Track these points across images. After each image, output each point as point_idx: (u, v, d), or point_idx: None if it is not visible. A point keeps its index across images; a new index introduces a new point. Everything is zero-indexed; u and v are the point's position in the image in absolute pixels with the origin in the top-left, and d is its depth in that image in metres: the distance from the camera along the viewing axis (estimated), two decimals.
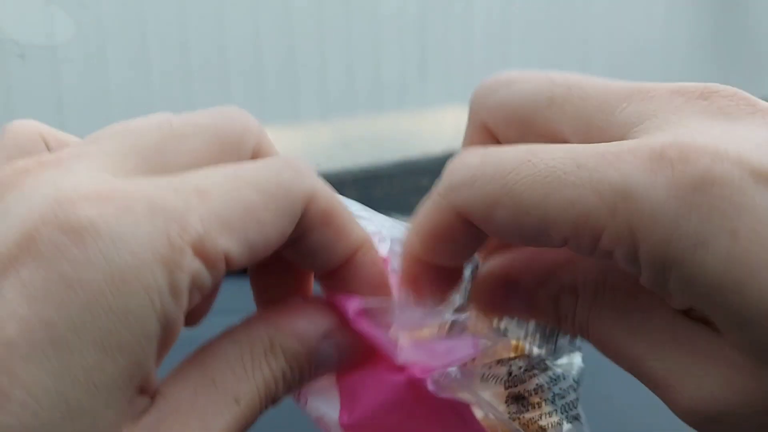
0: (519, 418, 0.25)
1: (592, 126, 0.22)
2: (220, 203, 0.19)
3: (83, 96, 1.69)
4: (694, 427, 0.21)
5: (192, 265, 0.18)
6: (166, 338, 0.18)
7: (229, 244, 0.19)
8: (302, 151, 1.97)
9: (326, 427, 0.24)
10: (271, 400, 0.21)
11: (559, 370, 0.26)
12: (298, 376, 0.22)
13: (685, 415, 0.21)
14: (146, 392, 0.18)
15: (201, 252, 0.18)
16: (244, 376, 0.20)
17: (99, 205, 0.17)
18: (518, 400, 0.25)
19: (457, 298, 0.24)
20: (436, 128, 2.23)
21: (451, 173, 0.22)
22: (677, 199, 0.18)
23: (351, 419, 0.23)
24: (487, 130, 0.25)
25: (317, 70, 2.09)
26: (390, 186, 2.03)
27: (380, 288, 0.23)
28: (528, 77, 0.24)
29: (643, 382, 0.22)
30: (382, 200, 2.09)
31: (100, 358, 0.17)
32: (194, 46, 1.87)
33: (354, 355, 0.23)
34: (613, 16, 2.67)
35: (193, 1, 1.87)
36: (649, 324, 0.21)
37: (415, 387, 0.23)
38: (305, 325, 0.22)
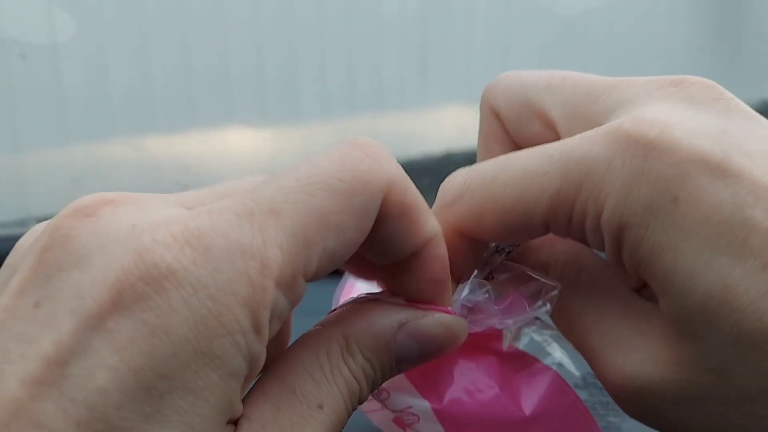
0: None
1: (578, 111, 0.24)
2: (295, 221, 0.18)
3: (84, 95, 1.69)
4: (619, 401, 0.22)
5: (273, 298, 0.18)
6: (251, 372, 0.18)
7: (308, 262, 0.19)
8: (302, 151, 1.97)
9: (411, 419, 0.24)
10: (356, 400, 0.21)
11: None
12: (380, 372, 0.21)
13: (611, 386, 0.22)
14: (232, 421, 0.19)
15: (281, 282, 0.18)
16: (324, 381, 0.20)
17: (176, 250, 0.17)
18: None
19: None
20: (436, 128, 2.23)
21: (441, 194, 0.24)
22: (630, 166, 0.20)
23: (444, 402, 0.24)
24: (495, 113, 0.27)
25: (318, 70, 2.09)
26: None
27: (441, 285, 0.22)
28: (531, 71, 0.27)
29: (583, 355, 0.23)
30: None
31: (191, 400, 0.17)
32: (195, 46, 1.87)
33: (438, 342, 0.22)
34: (614, 16, 2.67)
35: (194, 1, 1.87)
36: (602, 300, 0.23)
37: (489, 364, 0.24)
38: (378, 318, 0.21)
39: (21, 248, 0.21)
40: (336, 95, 2.13)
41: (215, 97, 1.90)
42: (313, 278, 0.19)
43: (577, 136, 0.21)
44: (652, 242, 0.19)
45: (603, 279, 0.23)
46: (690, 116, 0.21)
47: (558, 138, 0.24)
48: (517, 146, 0.27)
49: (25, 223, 1.32)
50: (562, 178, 0.21)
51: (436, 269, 0.22)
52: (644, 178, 0.19)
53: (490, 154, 0.27)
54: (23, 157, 1.63)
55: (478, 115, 0.31)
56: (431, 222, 0.22)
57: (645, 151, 0.20)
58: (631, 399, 0.21)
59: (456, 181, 0.23)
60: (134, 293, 0.17)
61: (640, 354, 0.21)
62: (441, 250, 0.22)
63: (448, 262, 0.22)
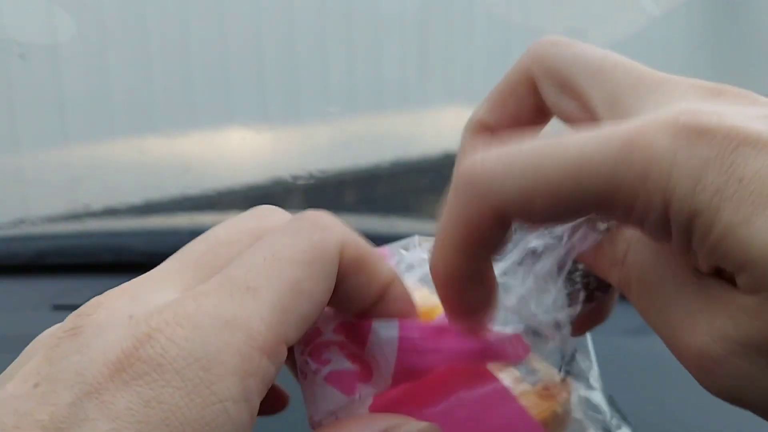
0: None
1: (621, 101, 0.24)
2: (271, 295, 0.20)
3: (84, 95, 1.70)
4: (703, 374, 0.22)
5: (260, 365, 0.19)
6: None
7: (288, 329, 0.20)
8: (302, 151, 1.97)
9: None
10: None
11: None
12: None
13: (694, 359, 0.22)
14: None
15: (266, 350, 0.20)
16: None
17: (169, 332, 0.19)
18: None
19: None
20: (436, 128, 2.24)
21: (470, 181, 0.23)
22: (696, 156, 0.20)
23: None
24: (528, 79, 0.27)
25: (318, 70, 2.09)
26: (390, 186, 2.04)
27: (411, 317, 0.24)
28: (587, 46, 0.27)
29: (662, 334, 0.23)
30: (382, 200, 2.09)
31: None
32: (195, 46, 1.87)
33: None
34: (614, 16, 2.67)
35: (194, 1, 1.88)
36: (679, 278, 0.23)
37: None
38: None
39: (38, 342, 0.23)
40: (336, 95, 2.13)
41: (215, 97, 1.90)
42: (292, 342, 0.21)
43: (635, 123, 0.21)
44: (724, 223, 0.20)
45: (676, 261, 0.23)
46: (737, 110, 0.22)
47: (591, 119, 0.25)
48: (538, 107, 0.27)
49: (24, 224, 1.32)
50: (626, 167, 0.21)
51: (403, 307, 0.24)
52: (710, 165, 0.20)
53: (503, 100, 0.28)
54: (23, 157, 1.63)
55: None
56: (385, 267, 0.24)
57: (707, 140, 0.20)
58: (716, 368, 0.21)
59: (487, 165, 0.22)
60: (133, 371, 0.18)
61: (723, 320, 0.21)
62: (401, 290, 0.24)
63: (411, 299, 0.24)
